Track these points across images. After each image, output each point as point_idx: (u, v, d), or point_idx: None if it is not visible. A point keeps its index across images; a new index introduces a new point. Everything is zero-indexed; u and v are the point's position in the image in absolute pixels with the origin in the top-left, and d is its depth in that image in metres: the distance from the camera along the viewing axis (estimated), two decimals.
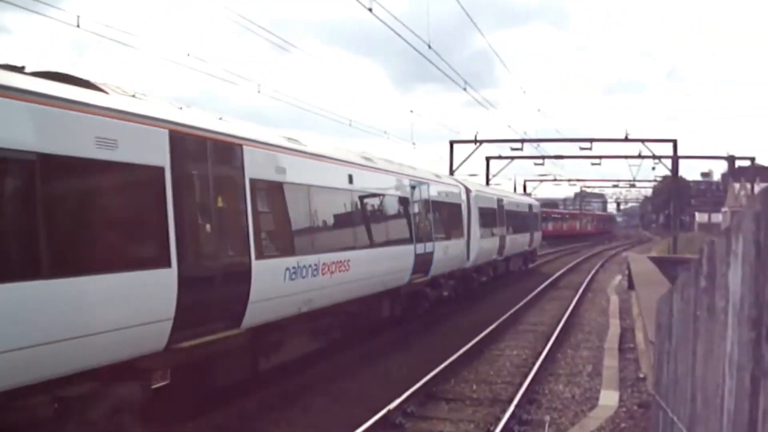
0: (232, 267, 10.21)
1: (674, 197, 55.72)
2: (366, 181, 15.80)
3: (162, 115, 9.02)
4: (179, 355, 8.98)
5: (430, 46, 20.98)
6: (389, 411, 10.84)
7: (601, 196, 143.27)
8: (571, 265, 46.60)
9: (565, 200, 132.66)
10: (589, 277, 37.18)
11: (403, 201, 18.29)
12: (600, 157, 50.76)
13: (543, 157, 50.93)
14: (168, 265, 8.62)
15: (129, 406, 8.43)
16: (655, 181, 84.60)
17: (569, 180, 76.95)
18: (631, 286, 28.59)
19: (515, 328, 20.20)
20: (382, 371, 14.28)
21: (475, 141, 45.82)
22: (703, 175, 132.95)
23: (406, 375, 13.42)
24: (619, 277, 36.46)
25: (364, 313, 16.18)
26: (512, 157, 49.84)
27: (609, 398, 12.39)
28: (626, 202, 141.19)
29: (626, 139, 44.84)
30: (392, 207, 17.84)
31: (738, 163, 55.64)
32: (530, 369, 14.31)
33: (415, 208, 18.97)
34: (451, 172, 42.72)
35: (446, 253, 21.23)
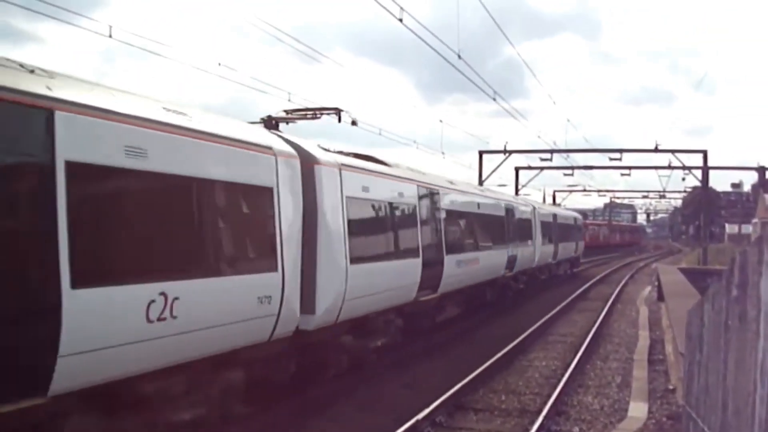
0: (435, 258, 17.60)
1: (704, 208, 55.15)
2: (485, 205, 23.96)
3: (413, 177, 17.11)
4: (417, 305, 16.67)
5: (460, 56, 21.00)
6: (417, 421, 10.88)
7: (631, 206, 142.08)
8: (601, 276, 46.43)
9: (594, 211, 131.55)
10: (619, 288, 36.95)
11: (501, 218, 25.92)
12: (630, 168, 50.38)
13: (572, 168, 50.61)
14: (418, 256, 16.33)
15: (397, 329, 15.99)
16: (685, 192, 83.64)
17: (599, 191, 76.39)
18: (660, 297, 28.36)
19: (545, 339, 20.17)
20: (410, 379, 14.34)
21: (505, 151, 45.74)
22: (734, 186, 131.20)
23: (437, 384, 13.45)
24: (648, 289, 36.19)
25: (477, 294, 23.41)
26: (541, 168, 49.59)
27: (638, 410, 12.33)
28: (656, 213, 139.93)
29: (656, 150, 44.48)
30: (497, 222, 25.36)
31: None
32: (559, 380, 14.29)
33: (508, 223, 26.49)
34: (480, 183, 42.68)
35: (522, 255, 28.40)
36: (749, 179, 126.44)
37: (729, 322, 4.79)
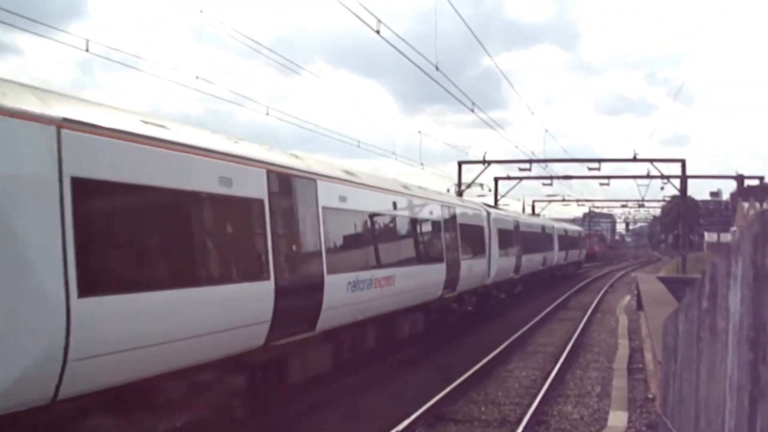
0: (518, 255, 32.56)
1: (683, 217, 55.53)
2: (533, 225, 40.53)
3: (512, 214, 36.75)
4: (511, 281, 32.54)
5: (437, 68, 20.96)
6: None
7: (610, 216, 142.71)
8: (581, 284, 46.70)
9: (573, 220, 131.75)
10: (599, 297, 37.13)
11: (540, 234, 41.72)
12: (608, 177, 50.73)
13: (551, 178, 50.89)
14: (514, 255, 32.18)
15: (505, 292, 31.90)
16: (663, 201, 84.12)
17: (577, 200, 76.66)
18: (639, 306, 28.52)
19: (524, 349, 20.20)
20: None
21: (484, 162, 45.89)
22: (712, 194, 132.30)
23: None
24: (628, 298, 36.38)
25: (529, 280, 37.03)
26: (520, 178, 49.86)
27: (618, 419, 12.36)
28: (635, 222, 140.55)
29: (634, 159, 44.81)
30: (539, 236, 41.25)
31: (747, 182, 55.38)
32: (539, 390, 14.31)
33: (548, 238, 44.25)
34: (459, 193, 42.80)
35: (549, 258, 43.75)
36: (728, 188, 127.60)
37: (701, 334, 4.83)
